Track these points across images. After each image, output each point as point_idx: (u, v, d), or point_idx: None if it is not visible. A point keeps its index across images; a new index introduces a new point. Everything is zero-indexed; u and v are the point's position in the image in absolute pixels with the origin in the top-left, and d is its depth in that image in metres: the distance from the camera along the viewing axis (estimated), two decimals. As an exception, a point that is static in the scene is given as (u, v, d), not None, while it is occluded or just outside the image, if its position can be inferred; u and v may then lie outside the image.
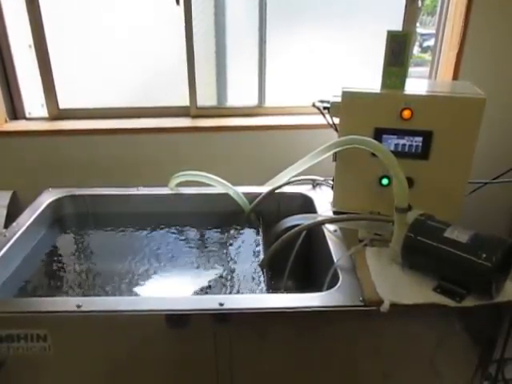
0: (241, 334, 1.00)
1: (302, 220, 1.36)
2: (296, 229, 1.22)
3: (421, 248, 1.01)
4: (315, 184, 1.58)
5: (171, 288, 1.36)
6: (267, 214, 1.54)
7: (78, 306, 0.95)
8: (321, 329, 1.01)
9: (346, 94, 1.25)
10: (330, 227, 1.29)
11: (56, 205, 1.46)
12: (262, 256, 1.39)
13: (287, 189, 1.54)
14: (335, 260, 1.15)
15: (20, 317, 0.95)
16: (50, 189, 1.50)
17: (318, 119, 1.48)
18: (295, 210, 1.49)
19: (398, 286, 1.02)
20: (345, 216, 1.22)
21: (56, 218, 1.46)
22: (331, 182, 1.51)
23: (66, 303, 0.97)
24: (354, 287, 1.03)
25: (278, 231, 1.45)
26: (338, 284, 1.05)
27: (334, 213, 1.37)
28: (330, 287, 1.10)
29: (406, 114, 1.20)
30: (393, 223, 1.08)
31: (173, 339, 1.00)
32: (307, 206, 1.51)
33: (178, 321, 0.98)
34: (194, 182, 1.49)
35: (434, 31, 3.13)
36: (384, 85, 1.24)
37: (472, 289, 0.96)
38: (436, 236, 0.99)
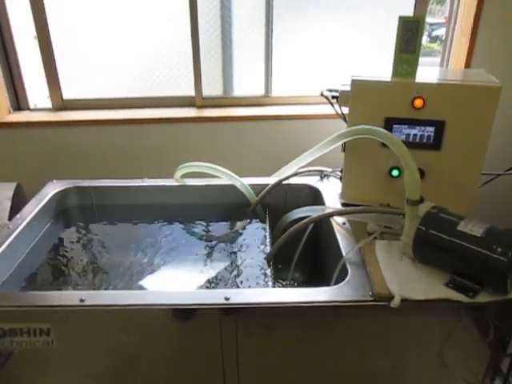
0: (247, 329, 0.98)
1: (309, 212, 1.33)
2: (303, 221, 1.19)
3: (433, 242, 0.98)
4: (323, 175, 1.54)
5: (177, 281, 1.34)
6: (274, 205, 1.51)
7: (82, 300, 0.94)
8: (329, 324, 0.99)
9: (356, 83, 1.21)
10: (338, 219, 1.26)
11: (60, 197, 1.44)
12: (268, 249, 1.37)
13: (294, 180, 1.50)
14: (344, 253, 1.12)
15: (23, 311, 0.94)
16: (55, 181, 1.48)
17: (327, 109, 1.45)
18: (302, 202, 1.47)
19: (408, 280, 0.99)
20: (354, 208, 1.18)
21: (60, 210, 1.44)
22: (339, 173, 1.48)
23: (69, 297, 0.96)
24: (363, 281, 1.01)
25: (284, 223, 1.43)
26: (347, 278, 1.02)
27: (343, 205, 1.34)
28: (338, 281, 1.07)
29: (418, 103, 1.16)
30: (403, 216, 1.05)
31: (178, 334, 0.98)
32: (315, 197, 1.48)
33: (183, 315, 0.96)
34: (200, 173, 1.46)
35: (443, 20, 3.06)
36: (395, 73, 1.20)
37: (486, 284, 0.93)
38: (449, 229, 0.96)
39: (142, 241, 1.47)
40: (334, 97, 1.33)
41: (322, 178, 1.54)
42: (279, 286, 1.43)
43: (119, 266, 1.39)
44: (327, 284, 1.37)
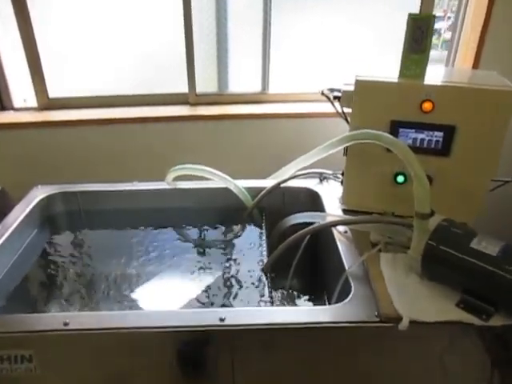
0: (243, 351, 0.91)
1: (308, 218, 1.26)
2: (303, 231, 1.12)
3: (443, 258, 0.92)
4: (322, 178, 1.47)
5: (169, 293, 1.28)
6: (271, 210, 1.44)
7: (65, 324, 0.87)
8: (331, 346, 0.92)
9: (360, 83, 1.14)
10: (339, 227, 1.20)
11: (46, 203, 1.35)
12: (265, 256, 1.31)
13: (292, 183, 1.43)
14: (346, 265, 1.06)
15: (2, 337, 0.86)
16: (40, 186, 1.39)
17: (327, 107, 1.36)
18: (301, 206, 1.40)
19: (416, 299, 0.92)
20: (357, 218, 1.12)
21: (46, 217, 1.36)
22: (340, 177, 1.41)
23: (52, 321, 0.88)
24: (367, 300, 0.94)
25: (282, 229, 1.36)
26: (350, 295, 0.96)
27: (344, 211, 1.28)
28: (340, 296, 1.01)
29: (427, 106, 1.09)
30: (411, 227, 0.99)
31: (169, 357, 0.91)
32: (314, 201, 1.41)
33: (175, 338, 0.89)
34: (193, 175, 1.38)
35: (441, 14, 2.97)
36: (402, 73, 1.12)
37: (499, 305, 0.87)
38: (461, 246, 0.90)
39: (132, 249, 1.40)
40: (335, 97, 1.25)
41: (321, 181, 1.47)
42: (277, 296, 1.37)
43: (108, 277, 1.33)
44: (326, 293, 1.33)
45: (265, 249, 1.32)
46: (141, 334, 0.87)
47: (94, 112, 1.89)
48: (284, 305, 1.34)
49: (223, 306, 1.28)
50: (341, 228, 1.19)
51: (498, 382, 0.93)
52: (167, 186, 1.42)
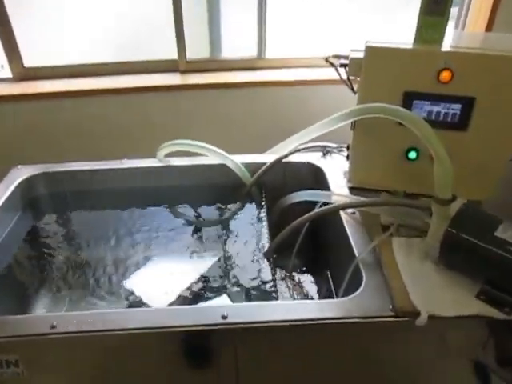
0: (247, 350, 0.85)
1: (312, 197, 1.18)
2: (308, 215, 1.04)
3: (465, 247, 0.84)
4: (325, 151, 1.38)
5: (165, 279, 1.20)
6: (271, 186, 1.35)
7: (53, 327, 0.79)
8: (342, 342, 0.86)
9: (371, 50, 1.02)
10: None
11: (27, 185, 1.24)
12: (266, 236, 1.23)
13: (293, 157, 1.33)
14: (355, 250, 0.99)
15: (-17, 342, 0.79)
16: (20, 166, 1.28)
17: (330, 73, 1.24)
18: (303, 183, 1.32)
19: (434, 290, 0.86)
20: (369, 200, 1.03)
21: (28, 200, 1.25)
22: (345, 151, 1.32)
23: (38, 323, 0.80)
24: (380, 291, 0.87)
25: (283, 207, 1.28)
26: (362, 286, 0.89)
27: (350, 189, 1.19)
28: (349, 286, 0.95)
29: (445, 75, 0.98)
30: (427, 210, 0.90)
31: (167, 360, 0.84)
32: (317, 177, 1.32)
33: (173, 339, 0.82)
34: (187, 151, 1.28)
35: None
36: (418, 38, 1.01)
37: (525, 298, 0.81)
38: (485, 234, 0.82)
39: (123, 232, 1.32)
40: (342, 65, 1.13)
41: (324, 155, 1.37)
42: (279, 276, 1.31)
43: (99, 263, 1.25)
44: (330, 272, 1.27)
45: (266, 229, 1.25)
46: (135, 336, 0.80)
47: (76, 82, 1.73)
48: (288, 287, 1.27)
49: (223, 288, 1.23)
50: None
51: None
52: (159, 164, 1.32)
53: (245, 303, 1.06)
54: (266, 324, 0.82)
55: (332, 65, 1.18)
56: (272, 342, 0.84)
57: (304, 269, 1.34)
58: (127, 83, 1.69)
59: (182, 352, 0.82)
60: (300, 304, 0.88)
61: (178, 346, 0.82)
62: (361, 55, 1.05)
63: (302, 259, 1.35)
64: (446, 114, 1.04)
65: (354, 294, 0.87)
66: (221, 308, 0.85)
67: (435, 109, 1.04)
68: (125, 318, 0.82)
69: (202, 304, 1.12)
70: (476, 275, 0.86)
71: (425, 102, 1.03)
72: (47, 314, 0.97)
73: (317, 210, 1.03)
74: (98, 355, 0.83)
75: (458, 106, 1.02)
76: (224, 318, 0.82)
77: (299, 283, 1.29)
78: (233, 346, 0.84)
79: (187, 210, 1.36)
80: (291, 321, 0.82)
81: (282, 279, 1.30)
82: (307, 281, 1.30)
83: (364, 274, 0.92)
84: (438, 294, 0.85)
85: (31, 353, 0.81)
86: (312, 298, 1.24)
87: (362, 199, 1.05)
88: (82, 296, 1.20)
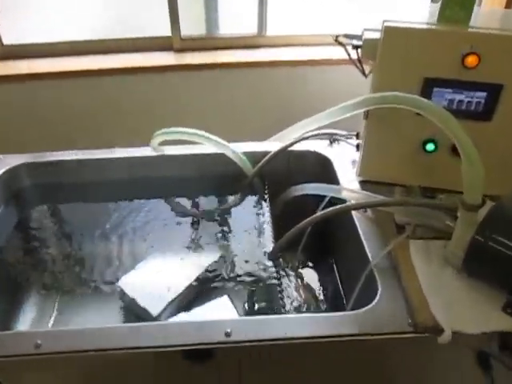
0: (252, 367, 0.78)
1: (319, 190, 1.09)
2: (316, 215, 0.95)
3: (492, 257, 0.76)
4: (333, 139, 1.28)
5: (162, 278, 1.12)
6: (274, 177, 1.25)
7: (37, 346, 0.71)
8: (354, 359, 0.79)
9: (389, 30, 0.91)
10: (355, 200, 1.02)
11: (9, 177, 1.14)
12: (268, 232, 1.15)
13: (298, 146, 1.23)
14: (368, 252, 0.91)
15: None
16: (1, 155, 1.18)
17: (339, 52, 1.12)
18: (309, 173, 1.23)
19: (456, 303, 0.78)
20: (383, 200, 0.94)
21: (11, 193, 1.15)
22: (355, 139, 1.22)
23: (21, 342, 0.72)
24: (398, 302, 0.80)
25: (287, 199, 1.20)
26: (377, 297, 0.81)
27: (361, 183, 1.10)
28: (362, 293, 0.87)
29: (472, 60, 0.88)
30: (455, 216, 0.82)
31: (165, 380, 0.77)
32: (324, 168, 1.23)
33: (171, 357, 0.75)
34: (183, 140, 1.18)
35: None
36: (442, 17, 0.90)
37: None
38: (516, 244, 0.74)
39: (115, 226, 1.24)
40: (355, 46, 1.02)
41: (331, 143, 1.28)
42: (283, 275, 1.23)
43: (89, 260, 1.17)
44: (335, 262, 1.20)
45: (269, 224, 1.17)
46: (129, 356, 0.73)
47: (60, 62, 1.57)
48: (293, 288, 1.20)
49: (224, 288, 1.16)
50: (358, 203, 1.03)
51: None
52: (153, 153, 1.21)
53: (249, 317, 0.99)
54: (271, 342, 0.74)
55: (342, 45, 1.07)
56: (278, 359, 0.77)
57: (311, 265, 1.26)
58: (115, 63, 1.52)
59: (181, 371, 0.75)
60: (308, 318, 0.80)
61: (177, 366, 0.74)
62: (376, 35, 0.95)
63: (308, 256, 1.27)
64: (469, 102, 0.94)
65: (369, 307, 0.79)
66: (224, 322, 0.77)
67: (457, 97, 0.94)
68: (117, 334, 0.74)
69: (201, 308, 1.05)
70: (502, 286, 0.78)
71: (447, 90, 0.93)
72: (31, 331, 0.89)
73: (326, 210, 0.93)
74: (88, 377, 0.76)
75: (482, 94, 0.92)
76: (227, 335, 0.74)
77: (306, 284, 1.22)
78: (237, 363, 0.77)
79: (184, 203, 1.27)
80: (299, 338, 0.74)
81: (287, 276, 1.23)
82: (314, 280, 1.23)
83: (379, 283, 0.84)
84: (461, 307, 0.77)
85: (14, 375, 0.73)
86: (318, 299, 1.18)
87: (375, 198, 0.96)
88: (72, 297, 1.13)
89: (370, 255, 0.90)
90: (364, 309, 0.79)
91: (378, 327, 0.76)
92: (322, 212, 0.94)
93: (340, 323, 0.77)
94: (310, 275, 1.24)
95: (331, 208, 0.94)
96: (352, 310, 0.82)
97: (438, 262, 0.86)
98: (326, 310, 1.14)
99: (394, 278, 0.84)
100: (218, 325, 0.76)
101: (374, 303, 0.80)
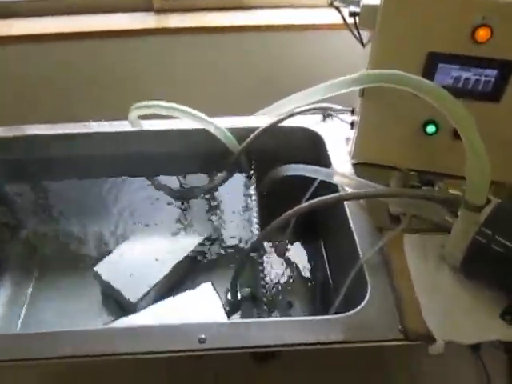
0: (229, 376, 0.73)
1: (308, 172, 1.01)
2: (303, 205, 0.86)
3: (494, 259, 0.69)
4: (326, 114, 1.18)
5: (140, 264, 1.07)
6: (261, 155, 1.16)
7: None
8: (344, 367, 0.74)
9: (391, -2, 0.80)
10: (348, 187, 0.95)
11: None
12: (254, 213, 1.08)
13: (288, 121, 1.14)
14: (358, 245, 0.84)
15: None
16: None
17: (335, 16, 1.00)
18: (299, 151, 1.15)
19: (452, 309, 0.72)
20: (378, 191, 0.85)
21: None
22: (349, 116, 1.12)
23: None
24: (388, 306, 0.74)
25: (274, 178, 1.12)
26: (366, 299, 0.75)
27: (354, 166, 1.02)
28: (351, 290, 0.81)
29: (482, 33, 0.77)
30: (455, 212, 0.74)
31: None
32: (315, 146, 1.14)
33: (140, 366, 0.69)
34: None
35: None
36: (451, -18, 0.78)
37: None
38: (521, 247, 0.67)
39: (92, 206, 1.16)
40: (351, 13, 0.91)
41: (324, 118, 1.18)
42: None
43: (65, 243, 1.11)
44: (323, 240, 1.16)
45: (255, 204, 1.09)
46: (92, 364, 0.67)
47: (23, 24, 1.38)
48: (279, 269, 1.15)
49: (207, 272, 1.11)
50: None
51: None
52: (130, 128, 1.12)
53: (225, 321, 0.93)
54: (249, 350, 0.68)
55: (338, 11, 0.96)
56: (257, 368, 0.72)
57: (298, 250, 1.21)
58: (89, 26, 1.36)
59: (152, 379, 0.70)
60: (292, 323, 0.74)
61: (147, 374, 0.69)
62: (376, 1, 0.84)
63: (296, 238, 1.21)
64: (476, 81, 0.84)
65: (357, 309, 0.73)
66: (198, 326, 0.71)
67: (464, 75, 0.84)
68: (79, 340, 0.68)
69: (183, 296, 1.00)
70: (502, 290, 0.72)
71: (453, 66, 0.83)
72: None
73: (314, 200, 0.85)
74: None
75: (492, 72, 0.82)
76: (201, 341, 0.68)
77: (293, 268, 1.16)
78: (212, 372, 0.71)
79: (165, 182, 1.19)
80: (279, 346, 0.69)
81: (273, 261, 1.17)
82: (301, 263, 1.17)
83: (369, 282, 0.77)
84: (457, 314, 0.71)
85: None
86: (306, 284, 1.12)
87: (369, 186, 0.88)
88: (47, 283, 1.08)
89: (359, 249, 0.83)
90: (352, 312, 0.73)
91: (365, 333, 0.70)
92: (309, 203, 0.85)
93: (327, 328, 0.71)
94: (298, 260, 1.18)
95: (319, 198, 0.86)
96: (339, 307, 0.77)
97: (434, 260, 0.79)
98: (313, 298, 1.10)
99: (385, 277, 0.78)
100: (191, 330, 0.70)
101: (362, 305, 0.74)
